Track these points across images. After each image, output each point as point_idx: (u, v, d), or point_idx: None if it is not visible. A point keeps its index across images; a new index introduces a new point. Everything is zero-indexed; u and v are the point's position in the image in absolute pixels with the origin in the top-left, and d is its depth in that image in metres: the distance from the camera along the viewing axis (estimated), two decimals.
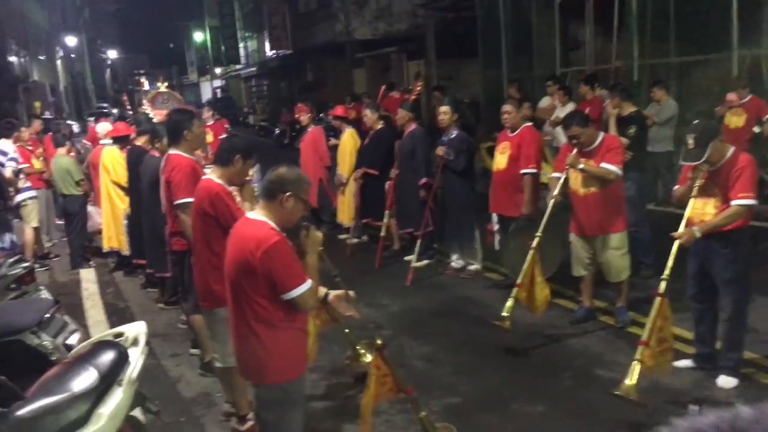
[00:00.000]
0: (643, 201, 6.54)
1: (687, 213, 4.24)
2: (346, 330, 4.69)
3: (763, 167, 8.34)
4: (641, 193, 6.41)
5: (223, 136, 9.03)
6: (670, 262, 4.17)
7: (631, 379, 3.93)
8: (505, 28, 14.08)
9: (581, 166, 5.06)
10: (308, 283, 2.94)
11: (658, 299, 4.09)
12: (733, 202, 4.07)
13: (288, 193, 2.96)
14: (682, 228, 4.21)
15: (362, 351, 4.71)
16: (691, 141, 4.15)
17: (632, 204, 6.21)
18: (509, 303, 5.09)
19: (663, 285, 4.12)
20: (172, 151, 4.69)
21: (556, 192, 5.19)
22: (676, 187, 4.54)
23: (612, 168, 4.99)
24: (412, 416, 4.21)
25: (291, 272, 2.90)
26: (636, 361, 3.99)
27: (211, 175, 4.02)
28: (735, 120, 8.49)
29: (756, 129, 8.35)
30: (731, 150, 4.20)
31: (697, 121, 4.62)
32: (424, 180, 7.03)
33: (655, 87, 8.79)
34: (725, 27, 9.72)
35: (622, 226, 5.22)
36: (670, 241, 4.27)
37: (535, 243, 5.11)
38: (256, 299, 2.94)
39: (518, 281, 5.12)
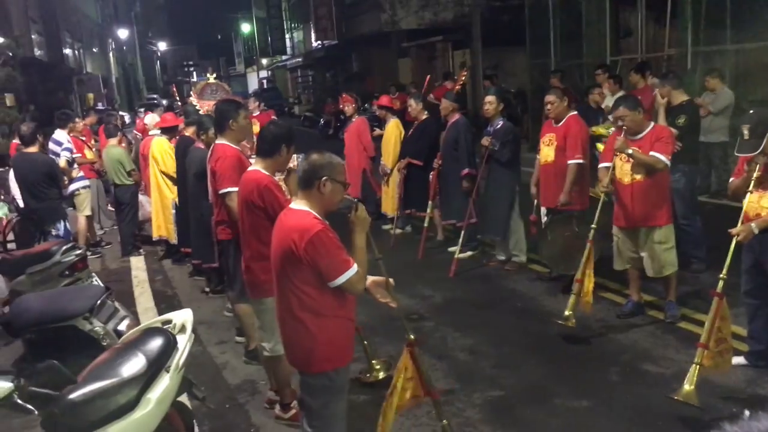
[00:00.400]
0: (693, 193, 6.33)
1: (744, 207, 4.09)
2: (365, 342, 4.65)
3: None
4: (691, 186, 6.21)
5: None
6: (728, 260, 4.02)
7: (691, 383, 3.82)
8: (553, 16, 13.82)
9: (630, 150, 4.91)
10: (354, 268, 2.95)
11: (716, 299, 3.96)
12: None
13: (324, 178, 3.00)
14: (739, 223, 4.06)
15: (377, 366, 4.66)
16: (746, 131, 4.00)
17: (682, 196, 6.04)
18: (571, 300, 5.03)
19: (721, 284, 3.98)
20: (219, 141, 4.76)
21: (606, 181, 5.06)
22: (732, 179, 4.39)
23: (661, 157, 4.84)
24: (453, 410, 4.21)
25: (336, 259, 2.93)
26: (695, 365, 3.87)
27: (257, 165, 4.05)
28: None
29: None
30: None
31: (753, 110, 4.44)
32: (466, 170, 6.96)
33: (709, 75, 8.50)
34: None
35: (666, 219, 5.05)
36: (723, 235, 4.13)
37: (590, 235, 5.01)
38: (303, 288, 2.98)
39: (577, 276, 5.03)
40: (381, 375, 4.60)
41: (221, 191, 4.61)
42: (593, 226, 5.07)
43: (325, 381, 3.11)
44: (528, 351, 4.99)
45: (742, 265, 4.28)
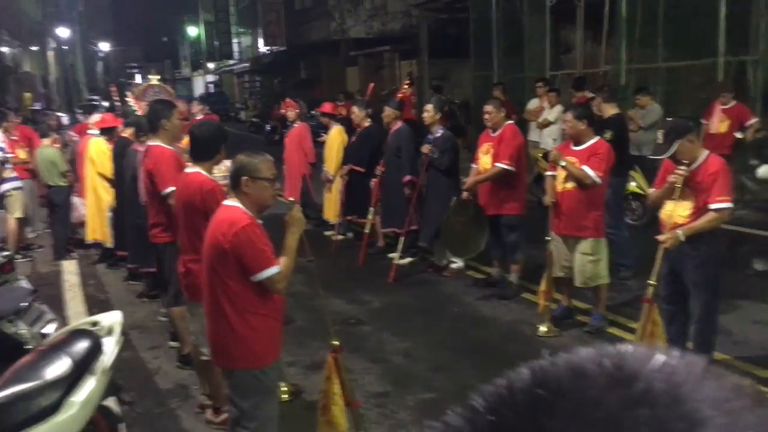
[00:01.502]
0: (619, 204, 6.57)
1: (660, 215, 4.31)
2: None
3: (745, 172, 8.45)
4: (617, 197, 6.44)
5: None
6: (656, 267, 4.22)
7: None
8: (497, 30, 14.15)
9: (563, 162, 5.11)
10: (276, 267, 3.02)
11: (646, 305, 4.15)
12: (712, 206, 4.11)
13: (244, 178, 3.09)
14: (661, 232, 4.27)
15: (283, 388, 4.35)
16: (660, 136, 4.25)
17: (608, 207, 6.26)
18: (542, 310, 5.31)
19: (650, 290, 4.20)
20: (152, 142, 4.71)
21: (549, 191, 5.30)
22: (651, 189, 4.60)
23: (590, 173, 5.03)
24: (385, 412, 4.26)
25: (260, 254, 3.00)
26: None
27: (197, 168, 4.02)
28: (719, 126, 8.57)
29: (738, 135, 8.43)
30: (705, 153, 4.26)
31: (670, 119, 4.71)
32: (408, 177, 7.06)
33: (638, 94, 8.84)
34: (712, 33, 9.81)
35: (595, 232, 5.20)
36: (648, 243, 4.32)
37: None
38: (228, 282, 3.04)
39: (542, 288, 5.31)
40: (283, 398, 4.31)
41: (164, 192, 4.56)
42: (548, 237, 5.33)
43: (250, 380, 3.13)
44: (462, 354, 5.10)
45: (660, 272, 4.47)
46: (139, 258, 6.26)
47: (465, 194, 6.19)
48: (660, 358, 0.44)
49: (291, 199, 3.55)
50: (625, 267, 6.41)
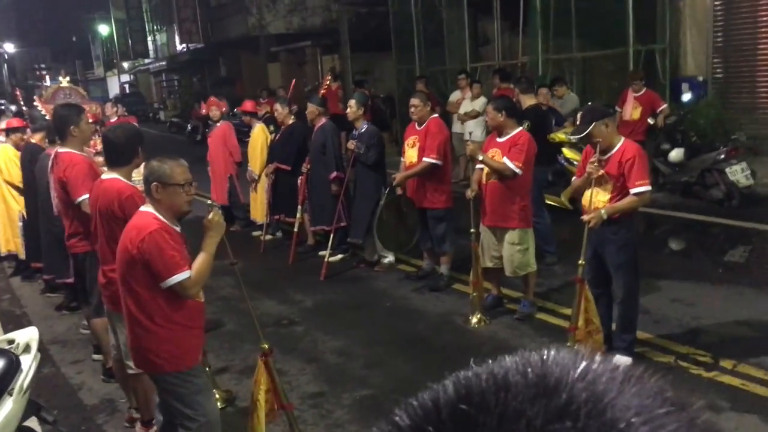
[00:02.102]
0: (540, 192, 6.73)
1: (582, 201, 4.46)
2: (207, 368, 4.39)
3: (658, 156, 8.85)
4: (538, 185, 6.58)
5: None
6: (584, 247, 4.36)
7: None
8: (417, 24, 14.25)
9: (480, 157, 5.21)
10: (186, 273, 2.95)
11: (578, 284, 4.32)
12: (633, 191, 4.26)
13: (155, 183, 3.02)
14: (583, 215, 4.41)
15: (217, 396, 4.18)
16: (579, 118, 4.45)
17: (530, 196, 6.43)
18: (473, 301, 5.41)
19: (580, 270, 4.34)
20: (61, 149, 4.50)
21: (473, 184, 5.40)
22: (574, 178, 4.74)
23: (509, 164, 5.13)
24: (322, 412, 4.23)
25: (169, 260, 2.93)
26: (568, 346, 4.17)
27: (113, 174, 3.85)
28: (632, 112, 8.93)
29: (650, 120, 8.82)
30: (621, 140, 4.42)
31: (590, 103, 4.90)
32: (334, 174, 7.02)
33: (555, 84, 9.10)
34: (622, 23, 10.20)
35: (521, 222, 5.31)
36: (572, 228, 4.45)
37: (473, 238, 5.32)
38: (138, 290, 2.99)
39: (471, 279, 5.41)
40: (217, 405, 4.31)
41: (78, 199, 4.35)
42: (472, 230, 5.39)
43: (180, 382, 3.10)
44: (397, 349, 5.11)
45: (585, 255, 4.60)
46: (55, 268, 5.96)
47: (398, 189, 6.21)
48: (583, 365, 0.44)
49: (209, 201, 3.46)
50: (550, 253, 6.59)
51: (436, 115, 6.26)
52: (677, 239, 7.66)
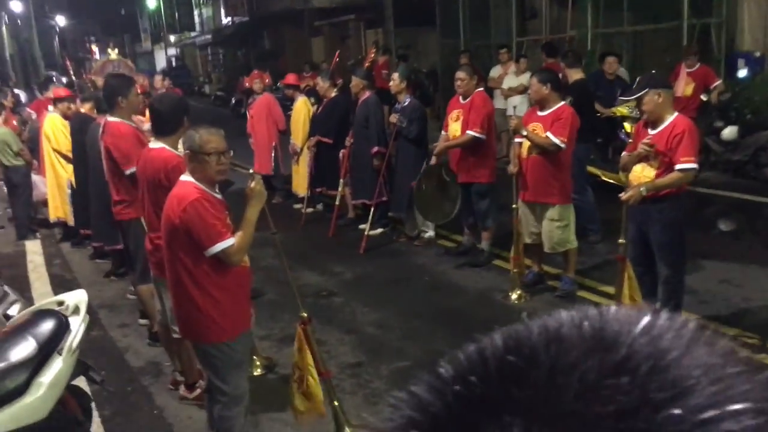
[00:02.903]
0: (583, 169, 6.59)
1: (629, 177, 4.36)
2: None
3: (710, 134, 8.57)
4: (580, 162, 6.43)
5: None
6: (624, 225, 4.28)
7: None
8: None
9: (525, 132, 5.12)
10: (230, 240, 2.98)
11: (620, 263, 4.28)
12: (677, 167, 4.14)
13: (186, 152, 3.09)
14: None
15: (257, 362, 4.42)
16: (637, 83, 4.39)
17: (572, 173, 6.29)
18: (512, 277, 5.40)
19: (622, 248, 4.30)
20: (110, 118, 4.58)
21: (513, 159, 5.34)
22: (624, 153, 4.62)
23: (554, 139, 5.04)
24: (360, 382, 4.27)
25: (210, 228, 2.96)
26: None
27: (161, 143, 3.91)
28: (685, 88, 8.63)
29: (704, 97, 8.51)
30: (674, 115, 4.28)
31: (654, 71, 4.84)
32: (376, 148, 7.00)
33: (607, 56, 8.84)
34: None
35: (561, 198, 5.23)
36: (614, 207, 4.36)
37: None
38: (183, 257, 3.03)
39: (512, 254, 5.39)
40: (257, 372, 4.37)
41: (128, 171, 4.44)
42: (514, 206, 5.35)
43: (216, 353, 3.13)
44: (435, 323, 5.11)
45: (628, 234, 4.51)
46: (103, 236, 6.13)
47: (434, 159, 6.16)
48: (646, 320, 0.41)
49: (251, 171, 3.48)
50: (593, 231, 6.48)
51: (481, 89, 6.17)
52: (727, 219, 7.43)
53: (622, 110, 7.80)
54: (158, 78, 11.49)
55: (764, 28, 10.12)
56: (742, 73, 9.66)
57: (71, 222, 7.46)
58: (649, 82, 4.31)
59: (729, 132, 8.39)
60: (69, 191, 7.25)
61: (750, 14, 10.20)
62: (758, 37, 10.19)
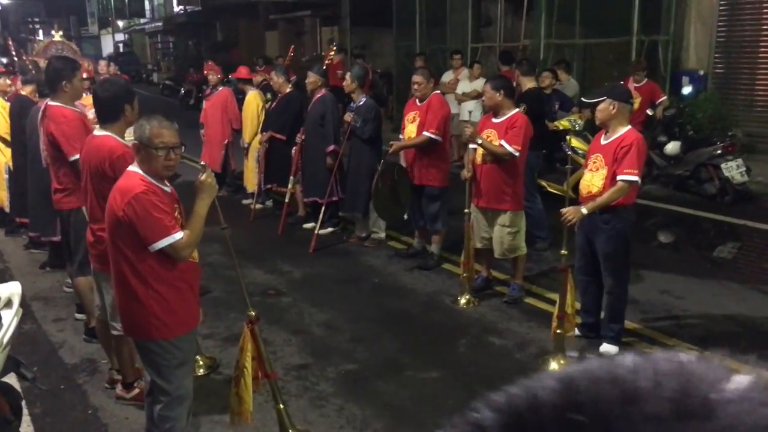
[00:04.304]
0: (533, 177, 6.68)
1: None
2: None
3: (654, 148, 8.81)
4: (530, 170, 6.51)
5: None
6: (565, 237, 4.34)
7: (563, 351, 4.33)
8: (419, 1, 14.04)
9: (479, 141, 5.15)
10: (178, 234, 2.87)
11: (564, 273, 4.35)
12: (619, 177, 4.23)
13: (134, 142, 2.97)
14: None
15: (200, 362, 4.28)
16: (600, 90, 4.59)
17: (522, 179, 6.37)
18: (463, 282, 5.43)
19: (564, 259, 4.37)
20: (52, 102, 4.38)
21: (466, 164, 5.40)
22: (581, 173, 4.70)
23: (508, 148, 5.08)
24: (306, 384, 4.20)
25: (156, 223, 2.85)
26: (557, 333, 4.32)
27: (106, 131, 3.75)
28: None
29: (649, 111, 8.76)
30: (626, 128, 4.37)
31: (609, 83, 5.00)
32: (332, 147, 6.92)
33: (555, 67, 9.01)
34: (627, 12, 10.10)
35: (513, 205, 5.28)
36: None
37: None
38: (126, 252, 2.91)
39: (462, 259, 5.47)
40: (199, 372, 4.22)
41: (71, 158, 4.25)
42: (466, 210, 5.37)
43: (161, 351, 3.00)
44: (383, 325, 5.07)
45: (576, 243, 4.58)
46: (41, 225, 5.86)
47: (392, 158, 6.13)
48: (737, 380, 0.35)
49: (202, 163, 3.36)
50: (541, 238, 6.57)
51: (438, 91, 6.18)
52: (668, 232, 7.66)
53: (563, 123, 7.96)
54: (103, 63, 11.13)
55: (709, 47, 10.50)
56: (687, 90, 9.99)
57: (7, 208, 7.12)
58: (610, 92, 4.40)
59: (672, 147, 8.65)
60: (6, 176, 6.91)
61: (696, 33, 10.56)
62: (702, 56, 10.56)
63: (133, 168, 2.98)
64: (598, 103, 4.37)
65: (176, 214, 2.98)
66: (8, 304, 3.30)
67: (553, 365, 4.30)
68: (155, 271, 2.93)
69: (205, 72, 9.27)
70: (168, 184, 3.04)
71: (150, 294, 2.94)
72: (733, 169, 7.92)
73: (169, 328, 3.00)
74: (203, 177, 3.00)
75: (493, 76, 6.13)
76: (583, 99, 4.96)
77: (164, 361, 3.03)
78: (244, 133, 8.28)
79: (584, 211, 4.24)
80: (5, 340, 3.09)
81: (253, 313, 3.35)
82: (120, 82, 4.10)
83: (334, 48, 9.03)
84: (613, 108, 4.31)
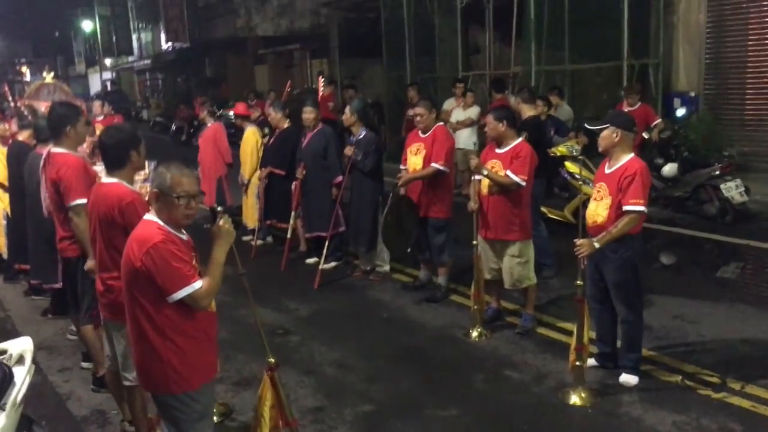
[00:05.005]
0: (537, 204, 6.66)
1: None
2: None
3: (651, 171, 8.84)
4: (535, 198, 6.50)
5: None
6: (579, 267, 4.31)
7: (583, 384, 4.29)
8: (408, 30, 14.18)
9: (485, 172, 5.14)
10: (198, 284, 2.80)
11: (580, 305, 4.30)
12: (625, 208, 4.20)
13: (155, 191, 2.89)
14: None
15: (213, 410, 3.96)
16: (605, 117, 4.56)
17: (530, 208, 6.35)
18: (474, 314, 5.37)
19: (579, 290, 4.31)
20: (55, 149, 4.33)
21: (472, 196, 5.35)
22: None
23: (514, 178, 5.07)
24: (323, 428, 4.10)
25: (174, 273, 2.77)
26: (576, 365, 4.27)
27: (113, 178, 3.69)
28: None
29: (645, 135, 8.82)
30: (629, 156, 4.36)
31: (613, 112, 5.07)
32: (339, 178, 6.89)
33: (549, 94, 9.09)
34: (617, 37, 10.23)
35: (521, 234, 5.24)
36: (569, 241, 4.37)
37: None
38: (144, 303, 2.83)
39: (472, 291, 5.41)
40: (214, 419, 4.00)
41: (71, 204, 4.18)
42: (474, 242, 5.34)
43: (180, 405, 2.91)
44: (396, 361, 4.99)
45: (586, 272, 4.52)
46: (42, 273, 5.72)
47: (401, 190, 6.05)
48: None
49: (219, 208, 3.31)
50: (547, 266, 6.53)
51: (441, 123, 6.19)
52: (670, 254, 7.64)
53: (561, 150, 7.99)
54: (97, 104, 11.07)
55: (698, 69, 10.63)
56: (680, 112, 10.10)
57: (5, 254, 7.00)
58: (614, 119, 4.42)
59: (669, 169, 8.69)
60: (4, 222, 6.81)
61: (684, 55, 10.71)
62: (692, 77, 10.70)
63: (150, 217, 2.91)
64: (601, 130, 4.37)
65: (194, 262, 2.92)
66: (20, 360, 3.21)
67: (574, 398, 4.24)
68: (173, 322, 2.85)
69: (197, 110, 9.26)
70: (185, 233, 2.99)
71: (168, 346, 2.86)
72: (733, 189, 7.95)
73: (188, 380, 2.91)
74: (221, 222, 2.94)
75: (494, 107, 6.15)
76: (586, 125, 4.96)
77: (184, 416, 2.94)
78: (243, 169, 8.23)
79: (597, 245, 4.20)
80: (19, 398, 3.00)
81: (273, 360, 3.27)
82: (125, 128, 4.05)
83: (323, 81, 9.04)
84: (617, 136, 4.31)
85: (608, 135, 4.34)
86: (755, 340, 4.99)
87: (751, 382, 4.31)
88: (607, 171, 4.42)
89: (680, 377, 4.45)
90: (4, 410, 2.90)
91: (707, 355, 4.77)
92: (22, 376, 3.08)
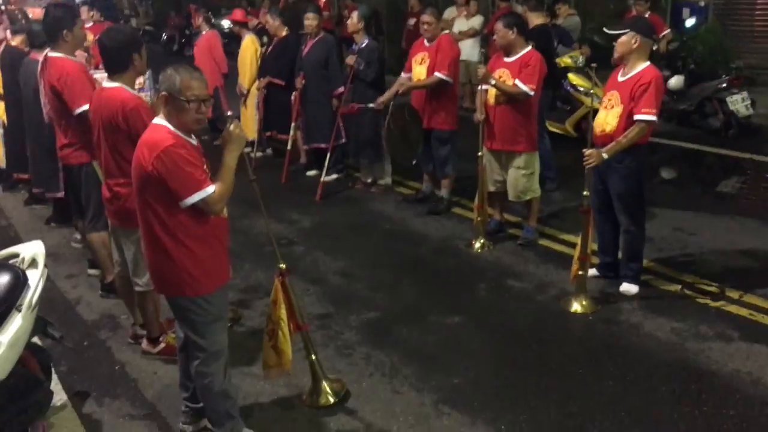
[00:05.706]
0: (541, 116, 6.57)
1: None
2: None
3: None
4: (540, 109, 6.40)
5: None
6: (587, 178, 4.30)
7: (584, 292, 4.38)
8: None
9: (492, 81, 5.03)
10: (210, 188, 2.78)
11: (585, 216, 4.32)
12: (636, 117, 4.15)
13: (164, 94, 2.80)
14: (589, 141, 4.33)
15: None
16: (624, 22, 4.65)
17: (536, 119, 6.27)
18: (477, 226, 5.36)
19: (585, 201, 4.33)
20: (52, 54, 4.20)
21: (479, 107, 5.25)
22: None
23: (523, 87, 4.97)
24: (330, 333, 4.20)
25: (186, 177, 2.74)
26: (579, 274, 4.34)
27: (116, 82, 3.60)
28: None
29: (653, 46, 8.59)
30: (645, 65, 4.27)
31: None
32: (341, 89, 6.75)
33: (558, 3, 8.78)
34: None
35: (527, 146, 5.20)
36: (573, 155, 4.35)
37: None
38: (156, 207, 2.81)
39: (475, 203, 5.37)
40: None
41: (77, 110, 4.10)
42: (480, 153, 5.26)
43: (195, 308, 2.95)
44: (400, 272, 5.06)
45: (591, 183, 4.50)
46: (44, 182, 5.71)
47: (386, 95, 5.99)
48: None
49: (229, 113, 3.26)
50: (550, 179, 6.52)
51: (447, 32, 6.00)
52: (673, 168, 7.62)
53: (565, 60, 7.81)
54: (84, 9, 10.66)
55: None
56: (689, 22, 9.82)
57: (3, 164, 6.94)
58: (634, 25, 4.33)
59: (675, 81, 8.54)
60: (1, 131, 6.71)
61: None
62: None
63: (160, 121, 2.85)
64: (620, 35, 4.26)
65: (204, 167, 2.88)
66: (33, 263, 3.23)
67: (576, 306, 4.33)
68: (186, 227, 2.85)
69: (193, 19, 8.94)
70: (195, 138, 2.94)
71: (181, 250, 2.87)
72: (738, 103, 7.85)
73: (202, 284, 2.94)
74: (231, 128, 2.89)
75: (504, 14, 5.96)
76: (605, 29, 4.81)
77: (198, 318, 2.98)
78: (241, 79, 8.04)
79: (605, 156, 4.17)
80: (34, 300, 3.04)
81: (284, 266, 3.31)
82: (126, 30, 3.92)
83: None
84: (635, 42, 4.21)
85: (627, 41, 4.23)
86: (755, 251, 5.06)
87: (749, 292, 4.40)
88: (620, 79, 4.33)
89: (679, 286, 4.54)
90: (20, 311, 2.94)
91: (706, 266, 4.84)
92: (35, 279, 3.11)
